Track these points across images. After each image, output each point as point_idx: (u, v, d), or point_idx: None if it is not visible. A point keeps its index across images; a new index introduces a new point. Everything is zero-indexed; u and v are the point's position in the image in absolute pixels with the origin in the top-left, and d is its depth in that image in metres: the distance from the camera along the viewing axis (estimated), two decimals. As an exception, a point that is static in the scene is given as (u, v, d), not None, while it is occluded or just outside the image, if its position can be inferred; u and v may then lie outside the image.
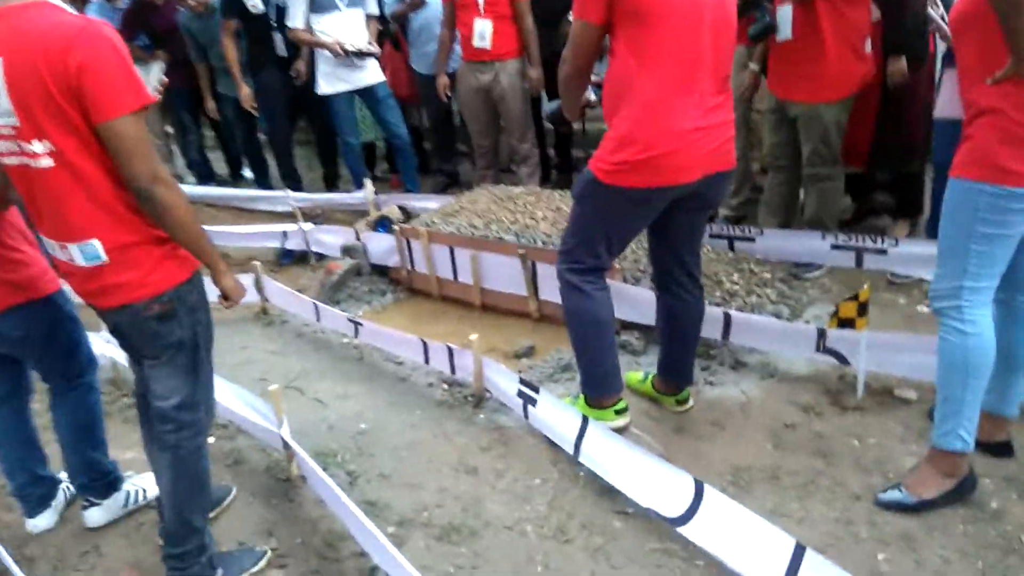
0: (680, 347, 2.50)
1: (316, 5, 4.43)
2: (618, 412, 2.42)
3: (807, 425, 2.49)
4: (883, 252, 3.22)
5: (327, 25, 4.45)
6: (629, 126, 2.07)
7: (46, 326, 2.14)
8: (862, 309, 2.45)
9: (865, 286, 2.45)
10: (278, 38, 4.80)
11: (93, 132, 1.65)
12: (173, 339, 1.84)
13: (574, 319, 2.34)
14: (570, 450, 2.34)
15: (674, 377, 2.55)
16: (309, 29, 4.48)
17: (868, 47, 3.16)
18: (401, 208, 4.37)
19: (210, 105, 5.40)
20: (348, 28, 4.48)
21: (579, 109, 2.41)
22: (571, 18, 2.15)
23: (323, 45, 4.46)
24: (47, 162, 1.67)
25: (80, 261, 1.76)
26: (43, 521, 2.34)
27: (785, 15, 3.15)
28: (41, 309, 2.11)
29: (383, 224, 4.12)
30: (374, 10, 4.65)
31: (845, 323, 2.49)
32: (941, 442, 2.04)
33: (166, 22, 5.19)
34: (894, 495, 2.11)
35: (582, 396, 2.48)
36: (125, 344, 2.00)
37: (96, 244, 1.73)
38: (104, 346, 3.05)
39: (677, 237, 2.33)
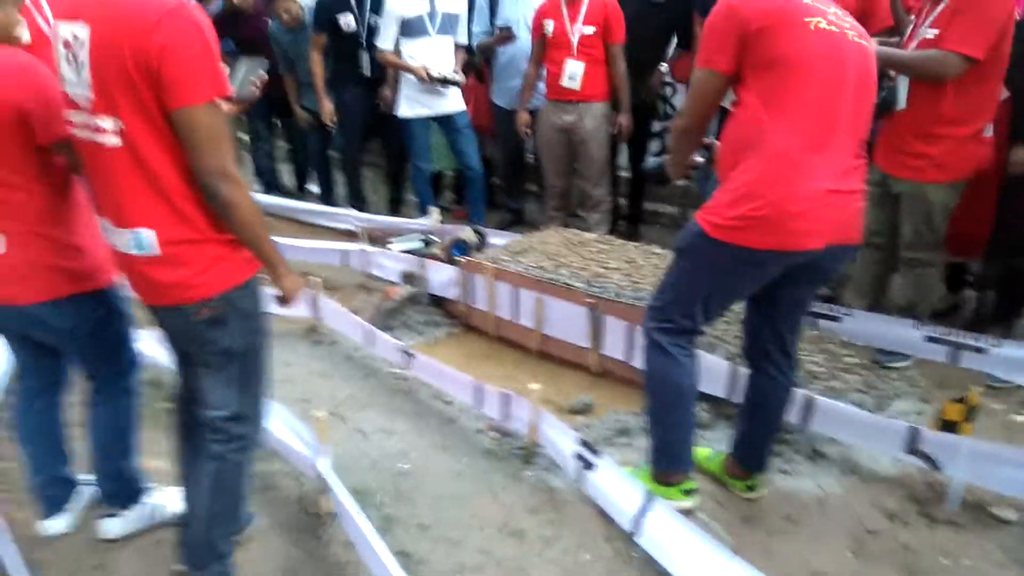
0: (760, 429, 2.28)
1: (407, 29, 4.40)
2: (686, 492, 2.21)
3: (892, 534, 2.24)
4: (982, 351, 2.95)
5: (415, 50, 4.41)
6: (753, 179, 1.87)
7: (95, 320, 2.02)
8: (970, 413, 2.21)
9: (977, 389, 2.21)
10: (365, 57, 4.78)
11: (166, 117, 1.57)
12: (223, 346, 1.76)
13: (655, 383, 2.15)
14: (628, 527, 2.14)
15: (748, 462, 2.33)
16: (397, 52, 4.45)
17: (990, 130, 2.94)
18: (477, 231, 4.21)
19: (301, 114, 5.37)
20: (436, 54, 4.44)
21: (686, 167, 2.24)
22: (695, 67, 2.00)
23: (409, 69, 4.42)
24: (114, 140, 1.59)
25: (132, 249, 1.68)
26: (57, 524, 2.23)
27: (902, 83, 2.96)
28: (92, 302, 2.00)
29: (459, 247, 3.97)
30: (463, 39, 4.62)
31: (948, 426, 2.25)
32: None
33: (255, 31, 5.23)
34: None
35: (647, 468, 2.28)
36: (175, 347, 1.90)
37: (150, 234, 1.65)
38: (151, 344, 2.95)
39: (781, 310, 2.12)
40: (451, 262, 3.77)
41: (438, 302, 3.81)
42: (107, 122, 1.58)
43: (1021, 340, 3.12)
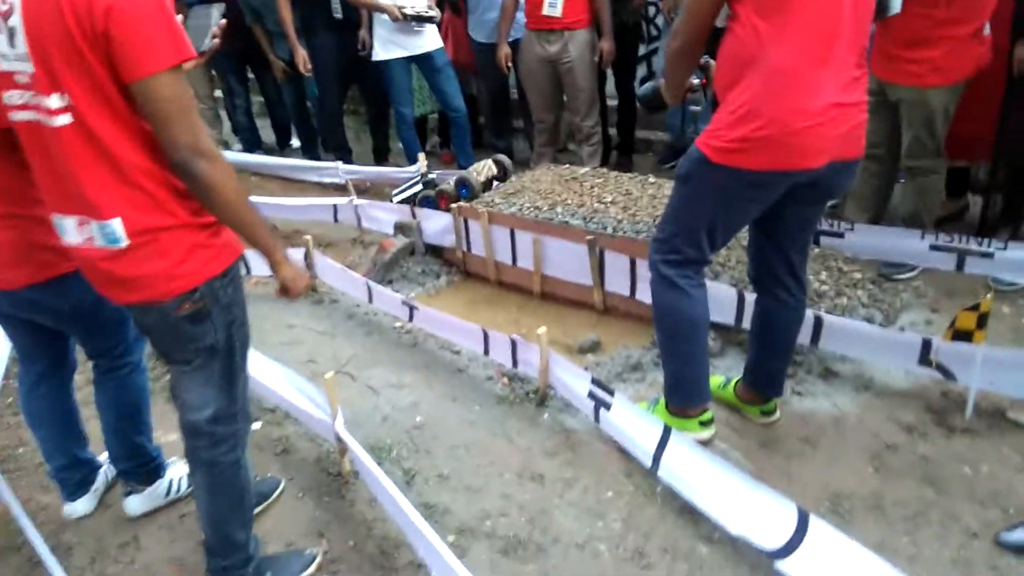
0: (773, 354, 2.26)
1: None
2: (703, 424, 2.21)
3: (911, 447, 2.24)
4: (989, 256, 2.93)
5: None
6: (752, 97, 1.79)
7: (96, 296, 1.95)
8: (982, 320, 2.19)
9: (988, 295, 2.18)
10: (334, 0, 4.59)
11: (122, 90, 1.39)
12: (207, 342, 1.62)
13: (665, 317, 2.12)
14: (647, 462, 2.14)
15: (763, 387, 2.32)
16: None
17: (987, 28, 2.84)
18: (499, 163, 4.00)
19: (277, 64, 5.16)
20: None
21: (683, 91, 2.14)
22: None
23: (381, 8, 4.25)
24: (63, 119, 1.40)
25: (97, 243, 1.50)
26: (81, 506, 2.21)
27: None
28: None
29: (464, 186, 3.88)
30: None
31: (961, 335, 2.23)
32: None
33: None
34: (1021, 536, 1.87)
35: (662, 402, 2.27)
36: (154, 345, 1.75)
37: (116, 224, 1.47)
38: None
39: (787, 232, 2.06)
40: (458, 201, 3.68)
41: (435, 251, 3.75)
42: (55, 100, 1.39)
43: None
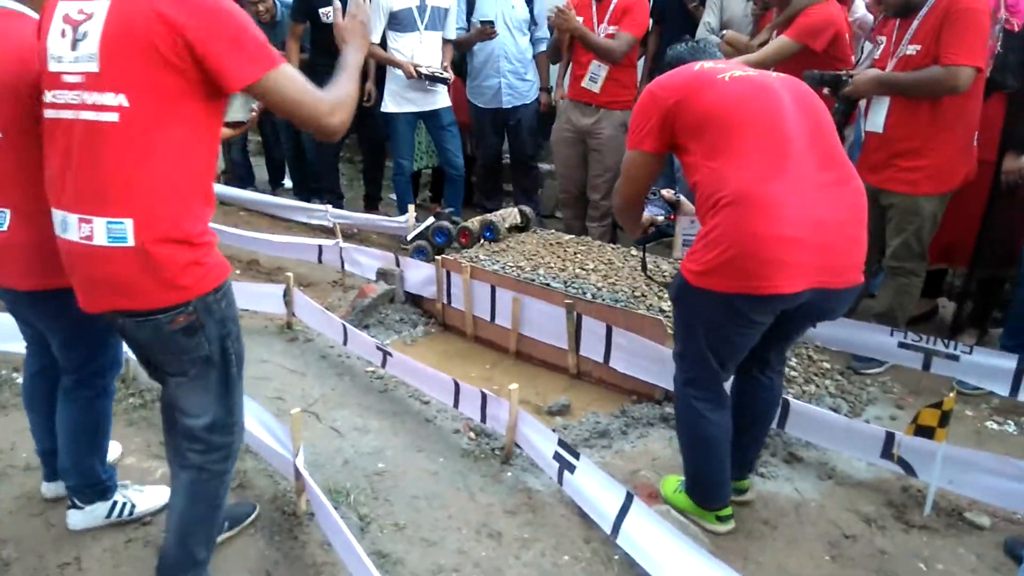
0: (750, 434, 2.25)
1: (395, 22, 4.38)
2: (720, 519, 2.21)
3: (869, 539, 2.25)
4: (955, 358, 2.99)
5: (403, 44, 4.39)
6: (719, 222, 1.84)
7: (80, 315, 1.94)
8: (944, 419, 2.23)
9: (951, 395, 2.23)
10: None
11: (189, 105, 1.52)
12: (200, 354, 1.67)
13: (684, 432, 2.16)
14: (607, 528, 2.12)
15: (737, 468, 2.30)
16: (384, 46, 4.41)
17: (975, 140, 2.99)
18: (523, 212, 4.03)
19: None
20: (425, 50, 4.42)
21: (642, 229, 2.37)
22: (626, 150, 2.11)
23: (397, 64, 4.37)
24: (111, 116, 1.50)
25: (100, 239, 1.53)
26: (52, 490, 2.29)
27: (880, 107, 2.99)
28: (74, 297, 1.94)
29: (441, 232, 3.91)
30: (451, 35, 4.57)
31: (923, 431, 2.26)
32: None
33: None
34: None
35: (683, 488, 2.27)
36: (147, 357, 1.78)
37: (127, 224, 1.52)
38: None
39: (766, 340, 2.04)
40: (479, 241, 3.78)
41: (415, 300, 3.77)
42: (108, 97, 1.49)
43: (992, 348, 3.17)
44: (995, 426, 2.85)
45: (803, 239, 1.79)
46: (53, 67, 1.56)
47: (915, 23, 2.89)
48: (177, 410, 1.75)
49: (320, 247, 4.21)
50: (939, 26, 2.77)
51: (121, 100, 1.49)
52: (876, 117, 3.03)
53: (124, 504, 2.20)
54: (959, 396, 3.01)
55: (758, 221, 1.78)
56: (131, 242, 1.53)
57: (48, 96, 1.58)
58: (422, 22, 4.38)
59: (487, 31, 4.54)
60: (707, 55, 2.18)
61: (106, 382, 2.12)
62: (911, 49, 2.89)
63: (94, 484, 2.15)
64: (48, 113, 1.59)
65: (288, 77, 1.57)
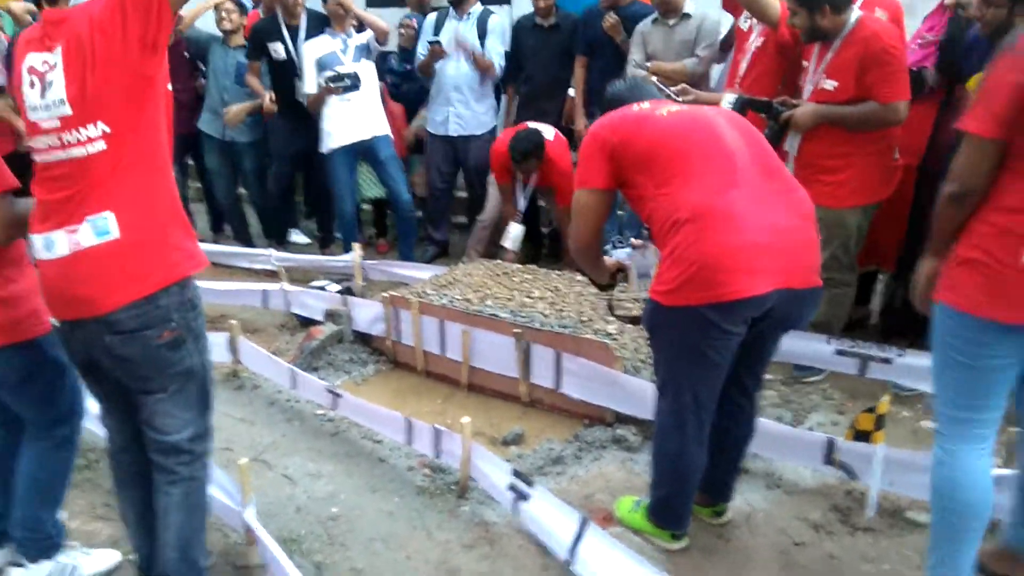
0: (727, 460, 2.28)
1: (322, 65, 4.49)
2: (675, 536, 2.25)
3: (818, 545, 2.31)
4: (888, 362, 3.10)
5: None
6: (678, 242, 1.92)
7: (22, 372, 1.97)
8: (879, 422, 2.32)
9: (884, 398, 2.33)
10: (300, 86, 4.72)
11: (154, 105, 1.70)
12: (184, 367, 1.80)
13: (664, 461, 2.16)
14: (563, 555, 2.14)
15: (715, 492, 2.35)
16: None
17: (897, 154, 3.14)
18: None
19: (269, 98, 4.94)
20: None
21: (609, 272, 2.38)
22: (574, 193, 2.17)
23: (320, 97, 4.51)
24: (99, 146, 1.65)
25: (88, 240, 1.66)
26: (2, 556, 2.16)
27: (794, 137, 3.13)
28: (18, 354, 1.95)
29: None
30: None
31: (861, 436, 2.35)
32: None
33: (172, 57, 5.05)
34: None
35: (644, 507, 2.29)
36: (126, 380, 1.82)
37: (110, 217, 1.66)
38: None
39: (742, 358, 2.07)
40: None
41: (364, 339, 3.76)
42: (89, 130, 1.64)
43: (924, 350, 3.30)
44: (930, 425, 2.96)
45: (762, 243, 1.89)
46: (31, 116, 1.70)
47: (829, 55, 3.02)
48: (154, 431, 1.84)
49: (264, 291, 4.17)
50: (857, 66, 2.90)
51: (103, 127, 1.64)
52: (793, 140, 3.16)
53: (70, 567, 2.14)
54: (896, 398, 3.12)
55: (718, 232, 1.88)
56: (117, 234, 1.67)
57: (32, 142, 1.72)
58: (346, 57, 4.51)
59: (435, 50, 4.63)
60: (645, 93, 2.24)
61: (63, 432, 2.09)
62: (828, 84, 3.01)
63: (41, 539, 2.10)
64: (37, 158, 1.72)
65: None
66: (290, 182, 5.33)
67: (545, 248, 5.16)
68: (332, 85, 4.44)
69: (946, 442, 1.87)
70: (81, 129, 1.64)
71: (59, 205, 1.69)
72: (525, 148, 4.15)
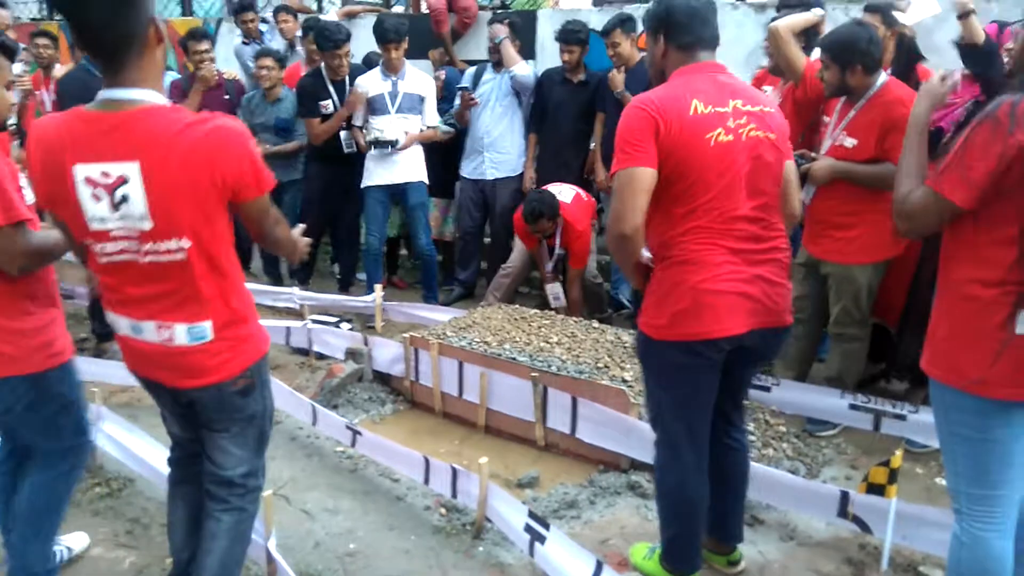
0: (730, 499, 2.33)
1: (371, 106, 4.72)
2: None
3: (831, 597, 2.32)
4: (902, 418, 3.14)
5: (376, 125, 4.71)
6: (668, 279, 2.05)
7: (28, 403, 2.03)
8: (892, 476, 2.34)
9: (897, 452, 2.36)
10: (344, 136, 4.89)
11: (229, 223, 1.77)
12: (249, 411, 1.91)
13: (664, 493, 2.24)
14: (578, 598, 2.16)
15: (725, 535, 2.38)
16: (364, 128, 4.77)
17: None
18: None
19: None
20: (395, 131, 4.68)
21: (643, 269, 2.21)
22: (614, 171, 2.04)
23: (359, 139, 4.77)
24: (178, 256, 1.70)
25: (181, 341, 1.77)
26: None
27: (810, 187, 3.20)
28: (26, 385, 2.00)
29: None
30: (431, 121, 4.83)
31: (874, 489, 2.38)
32: None
33: (215, 102, 5.19)
34: None
35: (658, 554, 2.33)
36: (196, 419, 1.95)
37: (208, 325, 1.77)
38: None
39: (722, 389, 2.18)
40: None
41: (383, 379, 3.82)
42: (170, 244, 1.68)
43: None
44: (943, 482, 2.97)
45: (744, 292, 2.04)
46: (96, 227, 1.70)
47: (852, 113, 3.12)
48: (214, 464, 1.95)
49: (288, 329, 4.26)
50: (878, 128, 2.99)
51: (183, 244, 1.69)
52: (808, 193, 3.24)
53: None
54: (909, 455, 3.14)
55: (707, 281, 2.01)
56: (210, 337, 1.78)
57: (97, 247, 1.73)
58: (393, 106, 4.67)
59: (465, 97, 4.81)
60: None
61: (64, 466, 2.15)
62: (848, 142, 3.10)
63: (36, 567, 2.13)
64: (103, 259, 1.74)
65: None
66: (322, 229, 5.45)
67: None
68: (374, 149, 4.67)
69: (965, 522, 1.84)
70: (163, 242, 1.69)
71: (146, 300, 1.76)
72: (535, 209, 4.30)
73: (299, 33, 5.71)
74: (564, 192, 4.45)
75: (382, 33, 4.56)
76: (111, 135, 1.63)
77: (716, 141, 1.98)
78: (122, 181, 1.63)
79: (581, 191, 4.57)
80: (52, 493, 2.14)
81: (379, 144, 4.65)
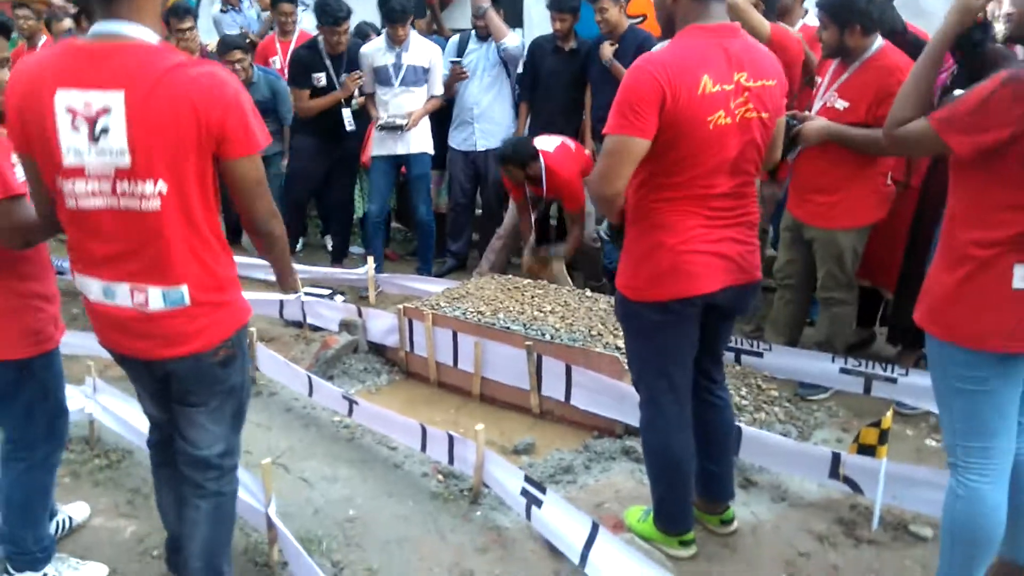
0: (718, 457, 2.37)
1: (377, 76, 4.71)
2: (683, 543, 2.32)
3: (822, 556, 2.37)
4: (893, 381, 3.18)
5: (382, 96, 4.73)
6: (647, 244, 2.09)
7: (8, 388, 2.02)
8: (883, 437, 2.38)
9: (888, 413, 2.39)
10: (346, 113, 4.86)
11: (214, 175, 1.68)
12: (229, 384, 1.85)
13: (651, 452, 2.28)
14: (575, 559, 2.20)
15: (715, 493, 2.42)
16: (372, 96, 4.78)
17: (889, 178, 3.21)
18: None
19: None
20: (400, 102, 4.68)
21: (622, 213, 2.21)
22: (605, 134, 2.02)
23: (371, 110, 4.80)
24: (154, 203, 1.62)
25: (157, 305, 1.70)
26: None
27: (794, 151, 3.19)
28: (7, 371, 1.99)
29: None
30: (436, 91, 4.80)
31: (865, 450, 2.41)
32: None
33: None
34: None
35: (652, 516, 2.36)
36: (173, 394, 1.87)
37: (183, 289, 1.70)
38: (84, 401, 2.88)
39: (701, 343, 2.24)
40: None
41: (378, 350, 3.84)
42: (146, 186, 1.60)
43: (927, 369, 3.36)
44: (934, 443, 3.02)
45: (719, 252, 2.10)
46: (71, 161, 1.61)
47: (845, 75, 3.11)
48: (187, 442, 1.89)
49: (281, 302, 4.26)
50: (872, 94, 2.97)
51: (161, 188, 1.61)
52: (792, 156, 3.22)
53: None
54: (900, 416, 3.18)
55: (684, 243, 2.06)
56: (187, 303, 1.72)
57: (68, 187, 1.64)
58: (397, 78, 4.64)
59: (456, 70, 4.77)
60: None
61: (41, 455, 2.12)
62: (839, 104, 3.08)
63: (25, 553, 2.15)
64: (73, 203, 1.66)
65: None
66: (307, 199, 5.42)
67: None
68: (381, 130, 4.66)
69: (963, 475, 1.88)
70: (139, 183, 1.60)
71: (117, 258, 1.68)
72: (502, 154, 4.34)
73: None
74: (548, 142, 4.40)
75: (388, 12, 4.50)
76: (98, 63, 1.57)
77: (716, 124, 1.98)
78: (104, 112, 1.56)
79: (570, 141, 4.50)
80: (32, 483, 2.13)
81: (387, 128, 4.64)
